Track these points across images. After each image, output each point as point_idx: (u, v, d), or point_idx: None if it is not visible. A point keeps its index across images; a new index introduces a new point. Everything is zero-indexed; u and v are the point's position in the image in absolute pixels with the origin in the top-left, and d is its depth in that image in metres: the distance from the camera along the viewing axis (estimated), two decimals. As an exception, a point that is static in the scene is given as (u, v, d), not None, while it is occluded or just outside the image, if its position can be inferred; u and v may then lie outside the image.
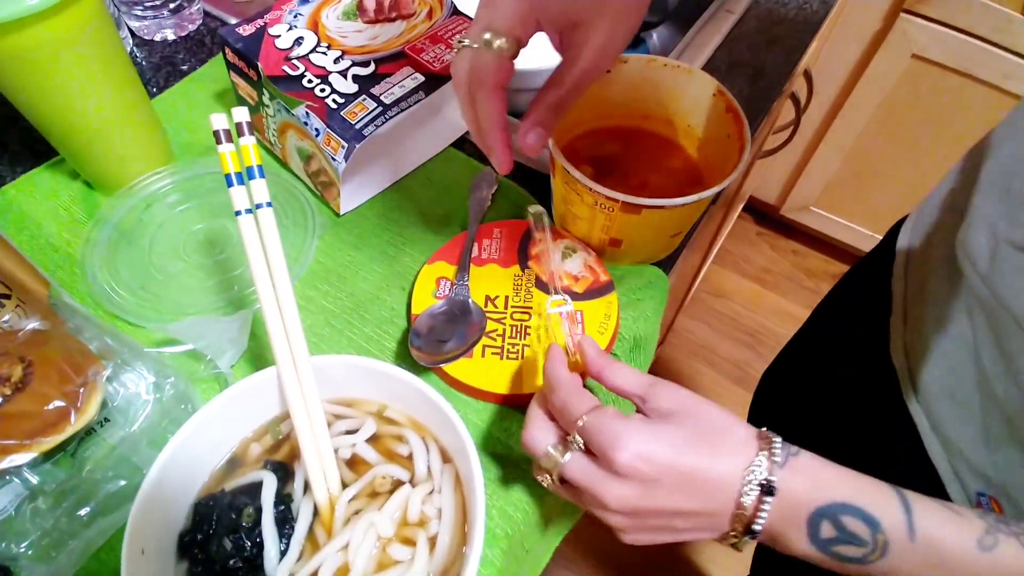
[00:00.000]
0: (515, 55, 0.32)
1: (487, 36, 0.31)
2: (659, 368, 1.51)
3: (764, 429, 0.31)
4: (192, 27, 0.67)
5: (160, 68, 0.64)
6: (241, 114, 0.32)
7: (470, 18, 0.50)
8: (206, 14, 0.69)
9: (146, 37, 0.66)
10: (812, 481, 0.29)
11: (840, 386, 0.61)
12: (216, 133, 0.32)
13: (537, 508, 0.40)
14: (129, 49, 0.65)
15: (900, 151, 1.34)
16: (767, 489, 0.28)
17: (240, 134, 0.32)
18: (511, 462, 0.40)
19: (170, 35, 0.66)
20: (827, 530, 0.29)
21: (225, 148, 0.32)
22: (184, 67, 0.64)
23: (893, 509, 0.29)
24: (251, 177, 0.32)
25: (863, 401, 0.55)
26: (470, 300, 0.43)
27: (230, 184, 0.32)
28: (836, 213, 1.54)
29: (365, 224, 0.51)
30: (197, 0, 0.68)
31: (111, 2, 0.63)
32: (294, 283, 0.48)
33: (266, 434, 0.36)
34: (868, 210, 1.49)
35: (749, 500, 0.29)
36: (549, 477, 0.32)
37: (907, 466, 0.47)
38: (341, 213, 0.50)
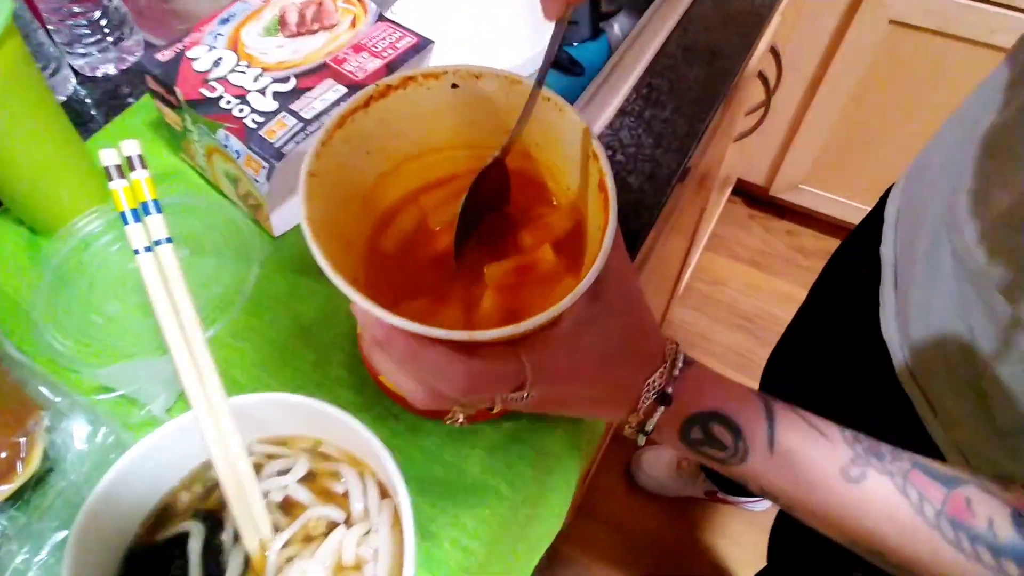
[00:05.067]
0: None
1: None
2: (658, 362, 1.48)
3: (671, 343, 0.32)
4: (132, 59, 0.65)
5: (102, 103, 0.63)
6: (131, 147, 0.30)
7: (397, 24, 0.48)
8: (147, 44, 0.67)
9: (88, 74, 0.65)
10: (694, 391, 0.31)
11: (840, 368, 0.59)
12: (107, 169, 0.30)
13: (499, 535, 0.38)
14: (72, 88, 0.64)
15: (887, 121, 1.31)
16: (662, 399, 0.31)
17: (132, 168, 0.30)
18: (465, 487, 0.38)
19: (111, 69, 0.65)
20: (696, 433, 0.31)
21: (117, 184, 0.30)
22: (130, 100, 0.62)
23: (758, 421, 0.31)
24: (147, 213, 0.30)
25: (863, 383, 0.52)
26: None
27: (125, 222, 0.30)
28: (827, 189, 1.50)
29: (306, 244, 0.49)
30: (137, 30, 0.66)
31: (51, 43, 0.62)
32: (237, 313, 0.46)
33: (195, 482, 0.34)
34: (859, 184, 1.45)
35: (646, 404, 0.31)
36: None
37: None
38: (276, 235, 0.48)
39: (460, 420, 0.29)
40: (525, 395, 0.28)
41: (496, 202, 0.34)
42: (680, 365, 0.31)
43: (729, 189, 1.55)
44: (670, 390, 0.30)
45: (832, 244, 1.64)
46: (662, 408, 0.30)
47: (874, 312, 0.50)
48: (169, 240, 0.31)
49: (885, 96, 1.27)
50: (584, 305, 0.28)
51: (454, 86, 0.31)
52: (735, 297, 1.60)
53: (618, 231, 0.28)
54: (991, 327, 0.36)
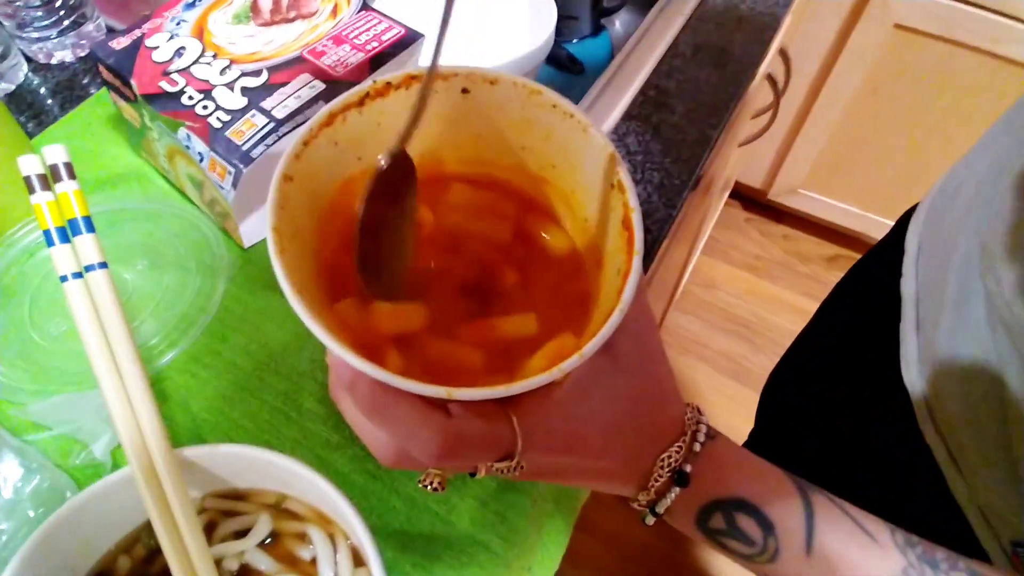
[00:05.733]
0: None
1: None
2: (651, 369, 1.44)
3: (692, 410, 0.27)
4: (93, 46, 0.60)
5: (57, 94, 0.57)
6: (56, 154, 0.25)
7: (383, 14, 0.43)
8: (109, 30, 0.61)
9: (43, 61, 0.59)
10: (717, 471, 0.27)
11: (849, 401, 0.54)
12: (27, 180, 0.25)
13: (489, 593, 0.34)
14: (23, 76, 0.58)
15: (888, 126, 1.28)
16: (679, 478, 0.26)
17: (57, 179, 0.25)
18: (452, 543, 0.34)
19: (68, 56, 0.59)
20: (717, 522, 0.27)
21: (40, 198, 0.25)
22: (91, 91, 0.57)
23: (794, 515, 0.26)
24: (76, 232, 0.25)
25: (875, 420, 0.48)
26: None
27: (50, 243, 0.25)
28: (826, 194, 1.47)
29: (279, 260, 0.44)
30: (97, 15, 0.60)
31: (1, 26, 0.56)
32: (199, 334, 0.41)
33: (136, 543, 0.29)
34: (859, 189, 1.42)
35: (659, 483, 0.26)
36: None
37: (928, 503, 0.40)
38: (246, 247, 0.43)
39: (435, 485, 0.24)
40: (513, 466, 0.23)
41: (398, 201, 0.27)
42: (701, 439, 0.27)
43: (727, 192, 1.51)
44: (688, 468, 0.26)
45: (830, 250, 1.62)
46: (677, 489, 0.26)
47: (892, 351, 0.45)
48: (103, 265, 0.26)
49: (888, 101, 1.24)
50: (592, 360, 0.23)
51: (464, 91, 0.26)
52: (730, 302, 1.57)
53: (641, 275, 0.24)
54: None
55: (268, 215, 0.22)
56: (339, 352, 0.20)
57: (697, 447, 0.26)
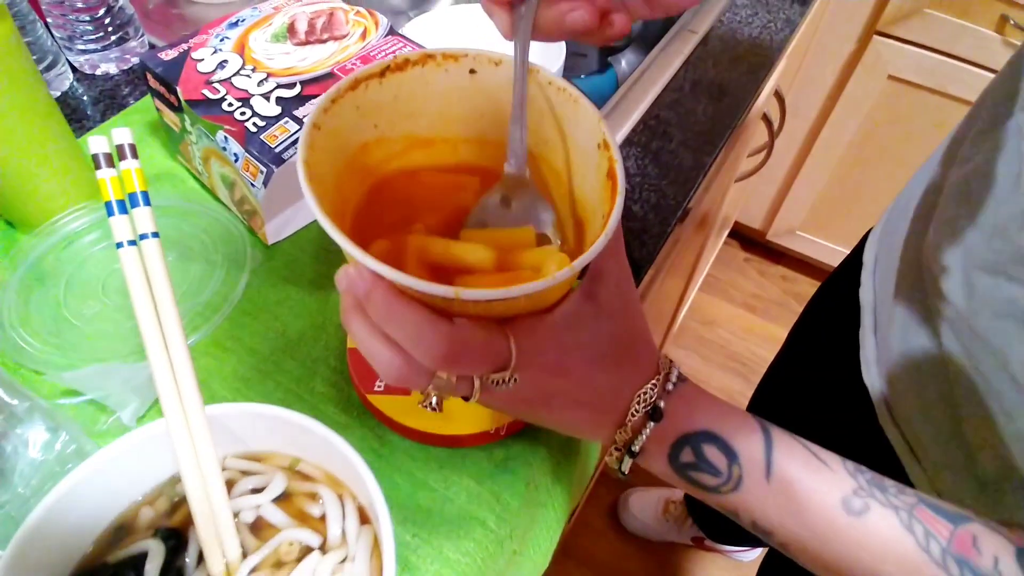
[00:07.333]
0: None
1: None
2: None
3: (664, 357, 0.30)
4: (135, 60, 0.65)
5: (99, 102, 0.61)
6: (122, 136, 0.29)
7: (407, 39, 0.47)
8: (152, 47, 0.66)
9: (88, 72, 0.64)
10: (687, 408, 0.29)
11: (820, 412, 0.57)
12: (95, 157, 0.28)
13: (483, 571, 0.36)
14: (69, 84, 0.62)
15: (883, 172, 1.33)
16: (653, 413, 0.28)
17: (122, 157, 0.29)
18: (450, 517, 0.36)
19: (112, 69, 0.64)
20: (687, 455, 0.29)
21: (105, 173, 0.28)
22: (130, 101, 0.61)
23: (755, 445, 0.29)
24: (135, 205, 0.29)
25: (842, 427, 0.51)
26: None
27: (111, 213, 0.29)
28: (823, 237, 1.51)
29: (299, 255, 0.47)
30: (141, 31, 0.65)
31: (50, 37, 0.61)
32: (221, 321, 0.44)
33: (160, 496, 0.32)
34: (854, 233, 1.45)
35: (635, 419, 0.29)
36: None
37: None
38: (269, 243, 0.47)
39: (434, 404, 0.27)
40: (507, 378, 0.26)
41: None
42: (674, 379, 0.29)
43: (726, 231, 1.55)
44: (662, 404, 0.28)
45: (826, 291, 1.65)
46: (652, 424, 0.28)
47: (854, 356, 0.49)
48: (155, 235, 0.29)
49: (882, 148, 1.29)
50: (577, 303, 0.27)
51: (472, 71, 0.30)
52: (728, 339, 1.59)
53: (620, 235, 0.27)
54: (970, 374, 0.35)
55: (300, 152, 0.25)
56: (360, 256, 0.23)
57: (670, 386, 0.29)
